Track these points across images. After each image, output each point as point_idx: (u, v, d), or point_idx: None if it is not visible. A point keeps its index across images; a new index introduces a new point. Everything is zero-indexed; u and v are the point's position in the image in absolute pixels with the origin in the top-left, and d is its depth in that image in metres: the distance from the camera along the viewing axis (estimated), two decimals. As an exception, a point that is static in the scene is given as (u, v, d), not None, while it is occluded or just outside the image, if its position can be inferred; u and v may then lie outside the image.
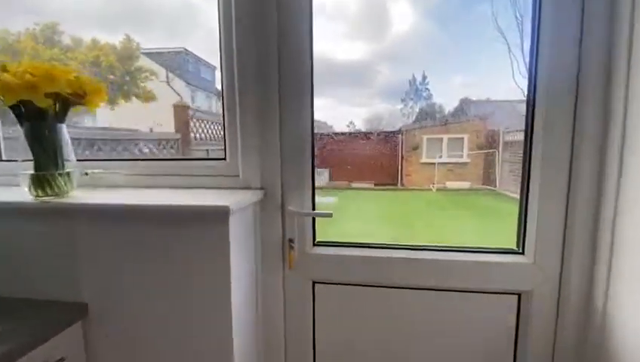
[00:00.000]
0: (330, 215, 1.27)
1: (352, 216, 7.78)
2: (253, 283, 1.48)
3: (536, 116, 1.33)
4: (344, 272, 1.57)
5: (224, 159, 1.48)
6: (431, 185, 13.03)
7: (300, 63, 1.37)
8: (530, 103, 1.34)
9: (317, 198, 1.72)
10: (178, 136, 3.70)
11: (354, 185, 14.07)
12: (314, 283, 1.61)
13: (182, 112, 4.14)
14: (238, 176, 1.42)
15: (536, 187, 1.51)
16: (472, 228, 6.39)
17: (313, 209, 1.45)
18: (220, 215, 1.15)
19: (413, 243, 1.57)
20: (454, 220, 7.02)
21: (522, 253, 1.65)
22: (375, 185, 14.01)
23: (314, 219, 1.52)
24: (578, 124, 1.25)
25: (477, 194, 11.21)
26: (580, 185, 1.32)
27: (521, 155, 6.57)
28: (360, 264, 1.55)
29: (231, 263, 1.17)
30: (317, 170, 7.23)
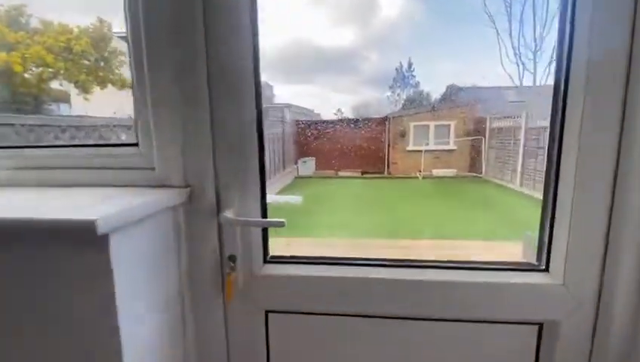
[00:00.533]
0: (282, 224, 0.83)
1: (336, 207, 7.61)
2: (175, 320, 1.00)
3: (571, 102, 0.91)
4: (307, 298, 1.08)
5: (136, 145, 0.95)
6: (417, 173, 12.91)
7: (236, 17, 0.87)
8: (561, 85, 0.92)
9: (279, 197, 1.38)
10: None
11: (341, 173, 13.82)
12: (267, 313, 1.10)
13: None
14: (153, 168, 0.93)
15: (568, 185, 1.06)
16: (460, 217, 6.32)
17: (264, 215, 0.99)
18: (86, 234, 0.71)
19: (399, 259, 1.11)
20: (441, 209, 6.94)
21: (546, 270, 1.17)
22: (362, 173, 13.83)
23: (265, 228, 1.03)
24: (629, 111, 0.87)
25: (463, 181, 11.20)
26: (629, 184, 0.94)
27: (509, 142, 6.46)
28: (328, 287, 1.07)
29: (117, 301, 0.75)
30: (302, 158, 6.92)
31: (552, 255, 1.03)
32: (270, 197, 1.13)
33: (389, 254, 4.17)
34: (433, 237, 5.13)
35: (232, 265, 0.89)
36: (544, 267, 1.07)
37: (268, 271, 0.98)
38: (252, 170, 0.92)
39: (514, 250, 4.14)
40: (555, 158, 0.98)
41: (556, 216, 1.01)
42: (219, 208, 0.92)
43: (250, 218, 0.90)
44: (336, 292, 1.00)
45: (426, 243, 4.61)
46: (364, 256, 1.13)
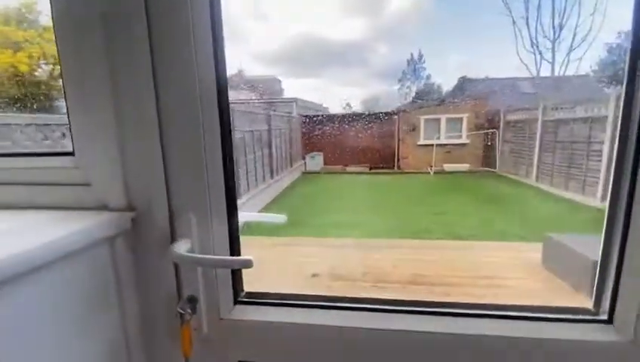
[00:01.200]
0: (248, 263, 0.61)
1: (343, 204, 7.40)
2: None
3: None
4: (292, 351, 0.74)
5: (71, 154, 0.69)
6: (428, 168, 12.51)
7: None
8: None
9: (259, 216, 1.08)
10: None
11: (349, 168, 13.53)
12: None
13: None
14: (89, 185, 0.70)
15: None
16: (473, 214, 6.02)
17: (233, 244, 0.73)
18: None
19: (416, 301, 0.64)
20: (453, 206, 6.64)
21: (609, 322, 0.65)
22: (370, 168, 13.52)
23: (237, 253, 0.76)
24: None
25: (476, 176, 10.83)
26: None
27: (524, 136, 6.08)
28: (320, 338, 0.72)
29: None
30: (310, 154, 6.61)
31: (618, 301, 0.61)
32: (249, 216, 0.92)
33: (397, 256, 3.96)
34: (445, 237, 4.88)
35: (193, 307, 0.63)
36: (606, 317, 0.62)
37: (239, 314, 0.68)
38: (215, 187, 0.65)
39: (533, 254, 3.87)
40: (629, 165, 0.60)
41: (627, 247, 0.58)
42: (173, 237, 0.67)
43: (210, 254, 0.63)
44: (330, 346, 0.64)
45: (437, 243, 4.37)
46: (370, 296, 0.73)
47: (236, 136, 5.73)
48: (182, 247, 0.61)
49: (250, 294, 0.76)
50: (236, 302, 0.71)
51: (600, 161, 6.62)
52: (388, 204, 7.08)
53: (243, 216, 0.77)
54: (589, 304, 0.73)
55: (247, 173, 6.33)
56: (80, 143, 0.64)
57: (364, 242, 4.41)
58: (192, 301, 0.65)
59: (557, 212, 6.23)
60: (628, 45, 0.70)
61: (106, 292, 0.62)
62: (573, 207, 6.47)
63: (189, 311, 0.64)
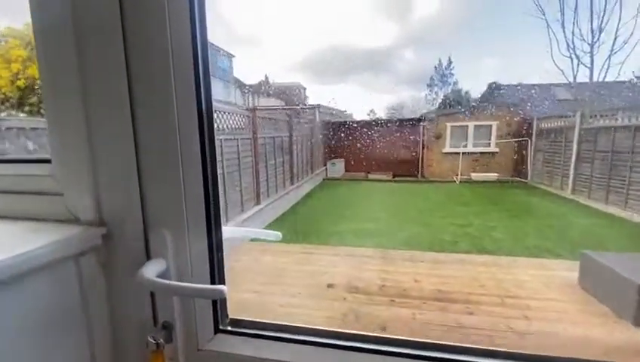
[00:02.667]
0: (220, 293, 0.52)
1: (363, 212, 7.23)
2: None
3: None
4: None
5: (49, 161, 0.65)
6: (454, 177, 12.07)
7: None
8: None
9: (253, 232, 0.98)
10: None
11: (371, 176, 13.33)
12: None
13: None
14: (62, 195, 0.64)
15: None
16: (503, 227, 5.64)
17: (213, 269, 0.63)
18: None
19: (427, 342, 0.49)
20: (481, 217, 6.28)
21: None
22: (394, 176, 13.25)
23: (219, 275, 0.65)
24: None
25: (506, 186, 10.31)
26: None
27: (559, 145, 5.73)
28: None
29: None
30: (331, 160, 6.55)
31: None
32: (243, 232, 0.85)
33: (419, 269, 3.77)
34: (470, 251, 4.58)
35: (166, 336, 0.54)
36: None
37: (220, 345, 0.57)
38: (194, 201, 0.58)
39: (568, 273, 3.54)
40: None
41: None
42: (148, 255, 0.59)
43: (186, 276, 0.54)
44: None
45: (463, 257, 4.09)
46: (376, 335, 0.54)
47: (258, 142, 5.79)
48: (153, 269, 0.53)
49: (235, 322, 0.66)
50: (217, 330, 0.61)
51: (646, 172, 6.08)
52: (411, 214, 6.85)
53: (236, 232, 0.71)
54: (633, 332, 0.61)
55: (267, 180, 6.35)
56: (55, 151, 0.60)
57: (384, 253, 4.25)
58: (167, 328, 0.57)
59: (595, 227, 5.76)
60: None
61: (71, 313, 0.55)
62: (613, 223, 5.97)
63: (162, 340, 0.55)
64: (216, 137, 0.60)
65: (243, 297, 3.01)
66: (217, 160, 0.62)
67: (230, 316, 0.68)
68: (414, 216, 6.65)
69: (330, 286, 3.20)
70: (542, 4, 11.83)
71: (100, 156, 0.55)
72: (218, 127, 4.64)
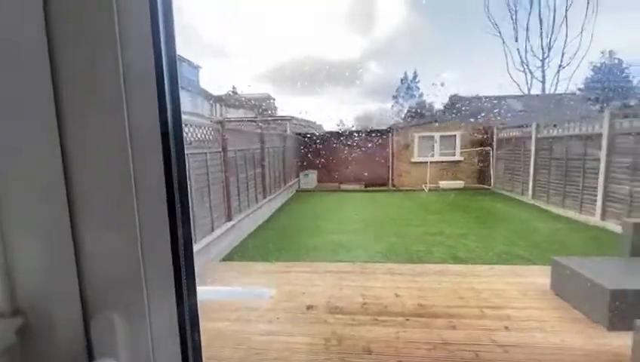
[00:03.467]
0: None
1: (337, 225, 7.15)
2: None
3: None
4: None
5: None
6: (423, 185, 12.37)
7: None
8: None
9: (239, 294, 0.80)
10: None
11: (343, 186, 13.33)
12: None
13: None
14: None
15: None
16: (473, 235, 5.75)
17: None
18: None
19: None
20: (452, 226, 6.40)
21: None
22: (365, 186, 13.35)
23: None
24: None
25: (472, 193, 10.72)
26: None
27: (518, 153, 6.02)
28: None
29: None
30: (303, 172, 6.36)
31: None
32: (227, 293, 0.67)
33: (399, 283, 3.70)
34: (446, 260, 4.62)
35: None
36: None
37: None
38: (157, 262, 0.40)
39: (539, 279, 3.65)
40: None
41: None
42: (90, 354, 0.41)
43: None
44: None
45: (440, 268, 4.09)
46: None
47: (228, 155, 5.55)
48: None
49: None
50: None
51: (596, 178, 6.55)
52: (385, 224, 6.87)
53: (217, 293, 0.54)
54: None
55: (238, 194, 6.09)
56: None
57: (362, 267, 4.17)
58: None
59: (557, 231, 6.08)
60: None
61: None
62: (572, 226, 6.34)
63: None
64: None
65: (215, 326, 2.76)
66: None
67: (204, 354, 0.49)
68: (389, 226, 6.67)
69: (309, 307, 3.03)
70: (498, 22, 12.74)
71: (12, 213, 0.37)
72: (186, 139, 4.38)
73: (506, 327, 2.71)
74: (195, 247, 4.68)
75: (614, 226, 5.96)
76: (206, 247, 4.52)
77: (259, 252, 5.23)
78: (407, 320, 2.85)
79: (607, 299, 2.70)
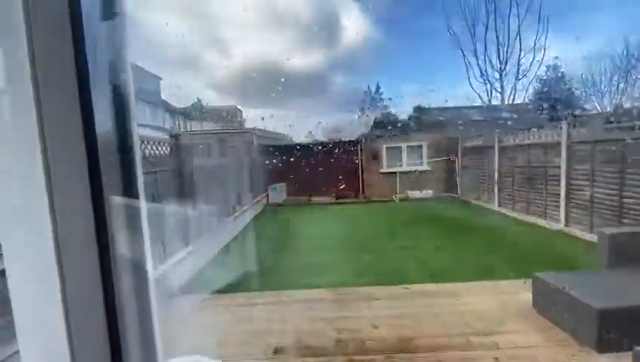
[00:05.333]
0: None
1: (309, 242, 6.76)
2: None
3: None
4: None
5: None
6: (393, 196, 12.32)
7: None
8: None
9: None
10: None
11: (314, 199, 12.97)
12: None
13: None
14: None
15: None
16: (448, 248, 5.59)
17: None
18: None
19: None
20: (425, 239, 6.24)
21: None
22: (336, 198, 13.06)
23: None
24: None
25: (440, 202, 10.78)
26: None
27: (482, 162, 6.04)
28: None
29: None
30: (272, 185, 5.88)
31: None
32: None
33: (376, 311, 3.38)
34: (422, 277, 4.39)
35: None
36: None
37: None
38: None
39: (520, 295, 3.50)
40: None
41: None
42: None
43: None
44: None
45: (417, 290, 3.82)
46: None
47: (185, 171, 5.02)
48: None
49: None
50: None
51: (558, 185, 6.76)
52: (358, 239, 6.60)
53: None
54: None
55: (199, 213, 5.54)
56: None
57: (336, 293, 3.81)
58: None
59: (525, 239, 6.13)
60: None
61: None
62: (538, 233, 6.44)
63: None
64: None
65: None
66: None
67: None
68: (362, 241, 6.40)
69: (277, 351, 2.61)
70: (458, 35, 13.29)
71: None
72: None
73: (496, 359, 2.47)
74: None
75: (579, 232, 6.13)
76: (158, 279, 3.95)
77: (220, 280, 4.72)
78: (389, 358, 2.52)
79: (595, 320, 2.55)
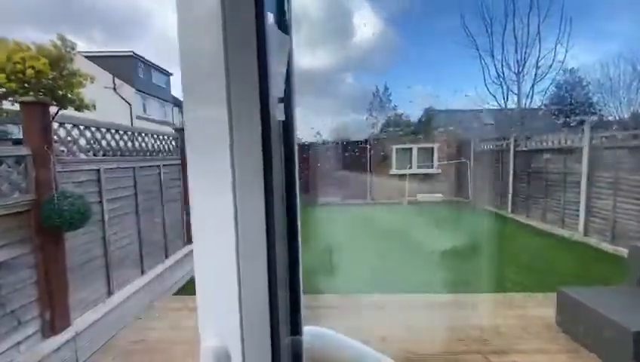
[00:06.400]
0: None
1: (316, 243, 6.55)
2: None
3: None
4: None
5: None
6: (402, 198, 12.02)
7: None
8: None
9: None
10: (25, 151, 2.29)
11: (320, 199, 12.76)
12: None
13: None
14: None
15: None
16: (463, 256, 5.29)
17: None
18: None
19: None
20: (439, 244, 5.95)
21: None
22: (343, 199, 12.80)
23: None
24: None
25: (451, 207, 10.46)
26: None
27: (497, 166, 5.72)
28: None
29: None
30: None
31: None
32: None
33: (382, 320, 3.15)
34: (433, 289, 4.12)
35: None
36: None
37: None
38: None
39: (542, 309, 3.22)
40: None
41: None
42: None
43: None
44: None
45: (431, 299, 3.56)
46: None
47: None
48: None
49: None
50: None
51: (578, 192, 6.43)
52: (367, 243, 6.37)
53: None
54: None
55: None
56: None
57: (342, 299, 3.59)
58: None
59: (543, 248, 5.81)
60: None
61: None
62: (556, 242, 6.13)
63: None
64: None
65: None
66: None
67: None
68: (371, 245, 6.17)
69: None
70: (475, 36, 12.93)
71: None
72: (139, 149, 3.69)
73: (519, 383, 2.24)
74: (144, 279, 3.95)
75: (599, 242, 5.80)
76: (158, 278, 3.79)
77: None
78: (399, 376, 2.31)
79: (630, 343, 2.30)
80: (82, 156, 2.89)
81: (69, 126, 2.74)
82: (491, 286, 4.11)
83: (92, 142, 2.98)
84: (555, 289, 3.92)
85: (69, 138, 2.72)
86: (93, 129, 2.98)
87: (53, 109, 2.80)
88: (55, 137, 2.59)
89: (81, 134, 2.86)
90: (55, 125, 2.59)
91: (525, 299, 3.54)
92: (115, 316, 2.96)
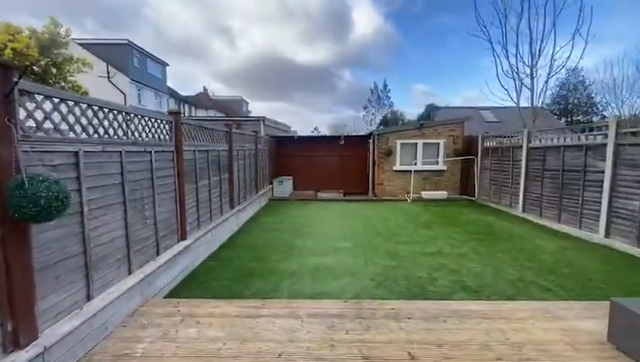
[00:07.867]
0: None
1: (319, 242, 6.11)
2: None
3: None
4: None
5: None
6: (406, 195, 11.56)
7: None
8: None
9: None
10: None
11: (321, 195, 12.27)
12: None
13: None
14: None
15: None
16: (477, 257, 4.83)
17: None
18: None
19: None
20: (449, 245, 5.51)
21: None
22: (344, 194, 12.35)
23: None
24: None
25: (457, 205, 10.04)
26: None
27: (507, 163, 5.21)
28: None
29: None
30: (277, 178, 5.10)
31: None
32: None
33: (406, 335, 2.72)
34: (455, 292, 3.69)
35: None
36: None
37: None
38: None
39: (586, 323, 2.83)
40: None
41: None
42: None
43: None
44: None
45: (454, 307, 3.12)
46: None
47: (184, 156, 4.41)
48: None
49: None
50: None
51: (598, 192, 6.06)
52: (373, 241, 5.96)
53: None
54: None
55: (197, 205, 4.93)
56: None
57: (356, 306, 3.17)
58: None
59: (562, 250, 5.43)
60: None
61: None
62: (575, 244, 5.76)
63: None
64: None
65: None
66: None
67: None
68: (378, 244, 5.76)
69: None
70: (487, 26, 12.45)
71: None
72: (127, 135, 3.22)
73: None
74: (132, 280, 3.49)
75: (621, 244, 5.44)
76: (147, 279, 3.35)
77: (219, 281, 4.11)
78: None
79: None
80: (57, 136, 2.43)
81: (39, 98, 2.28)
82: (516, 291, 3.71)
83: (70, 118, 2.52)
84: (590, 298, 3.56)
85: (39, 111, 2.26)
86: (70, 103, 2.52)
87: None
88: (21, 109, 2.13)
89: (56, 108, 2.39)
90: (22, 96, 2.13)
91: (561, 307, 3.15)
92: (94, 325, 2.52)
